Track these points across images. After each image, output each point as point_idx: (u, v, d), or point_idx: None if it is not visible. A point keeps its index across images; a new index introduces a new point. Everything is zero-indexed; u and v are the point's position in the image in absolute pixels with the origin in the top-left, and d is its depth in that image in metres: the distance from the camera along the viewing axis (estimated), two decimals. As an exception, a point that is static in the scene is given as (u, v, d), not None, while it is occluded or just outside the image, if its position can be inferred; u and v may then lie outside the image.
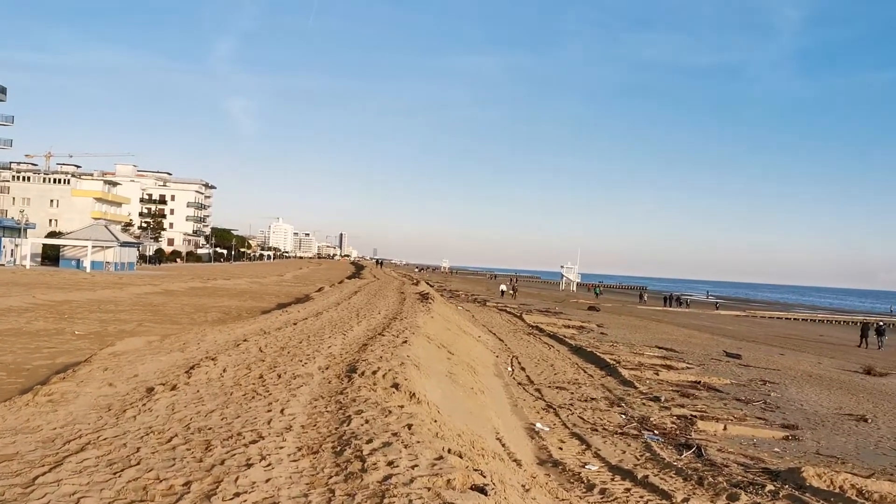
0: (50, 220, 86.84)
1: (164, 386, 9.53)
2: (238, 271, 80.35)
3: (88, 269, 61.64)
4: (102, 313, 25.75)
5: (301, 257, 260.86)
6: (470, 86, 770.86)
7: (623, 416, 14.46)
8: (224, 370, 10.96)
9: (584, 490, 9.32)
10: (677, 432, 13.20)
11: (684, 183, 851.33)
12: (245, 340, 15.07)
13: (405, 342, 15.65)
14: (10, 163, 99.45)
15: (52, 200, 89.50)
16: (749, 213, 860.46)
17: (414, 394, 9.42)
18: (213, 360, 11.90)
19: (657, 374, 20.66)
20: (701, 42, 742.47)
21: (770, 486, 9.68)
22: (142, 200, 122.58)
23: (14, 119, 78.11)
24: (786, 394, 19.06)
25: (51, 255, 69.12)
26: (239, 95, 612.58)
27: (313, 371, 11.31)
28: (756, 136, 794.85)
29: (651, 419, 14.19)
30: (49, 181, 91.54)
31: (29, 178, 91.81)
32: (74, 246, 66.71)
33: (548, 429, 13.07)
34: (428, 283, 67.15)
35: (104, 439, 6.75)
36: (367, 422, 7.59)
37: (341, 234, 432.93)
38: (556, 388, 17.62)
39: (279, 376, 10.63)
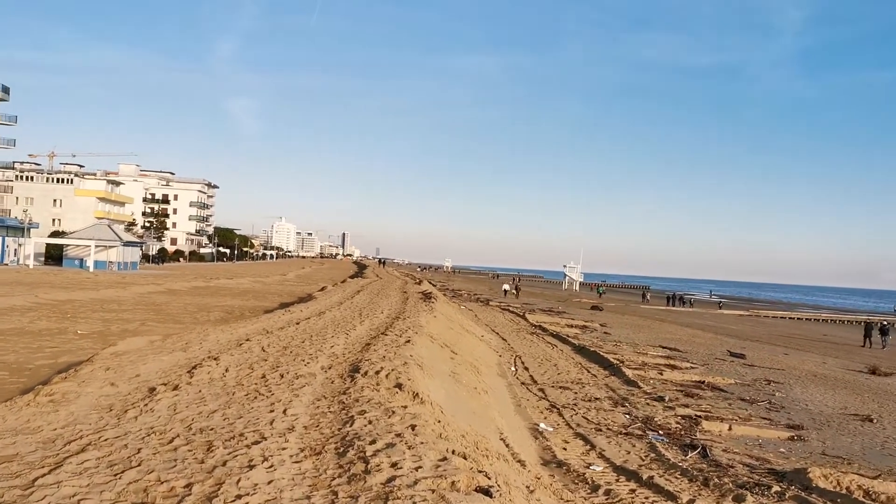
0: (53, 220, 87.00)
1: (166, 386, 9.48)
2: (241, 271, 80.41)
3: (92, 269, 61.68)
4: (105, 313, 25.74)
5: (304, 257, 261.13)
6: (470, 86, 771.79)
7: (627, 417, 14.38)
8: (226, 370, 10.91)
9: (589, 491, 9.25)
10: (682, 432, 13.12)
11: (684, 183, 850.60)
12: (248, 340, 15.03)
13: (408, 342, 15.58)
14: (14, 162, 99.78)
15: (55, 200, 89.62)
16: (749, 212, 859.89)
17: (417, 394, 9.35)
18: (215, 359, 11.85)
19: (661, 374, 20.58)
20: (701, 42, 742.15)
21: (776, 487, 9.60)
22: (145, 200, 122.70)
23: (17, 119, 78.23)
24: (790, 394, 18.96)
25: (54, 255, 69.23)
26: (241, 95, 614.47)
27: (316, 371, 11.25)
28: (756, 136, 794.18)
29: (655, 419, 14.12)
30: (52, 181, 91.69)
31: (32, 178, 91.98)
32: (78, 245, 66.80)
33: (552, 429, 13.00)
34: (431, 283, 67.10)
35: (105, 440, 6.70)
36: (370, 422, 7.53)
37: (344, 234, 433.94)
38: (560, 387, 17.54)
39: (282, 376, 10.58)
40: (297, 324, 19.22)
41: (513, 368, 20.43)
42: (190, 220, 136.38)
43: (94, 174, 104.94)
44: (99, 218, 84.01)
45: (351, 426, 7.38)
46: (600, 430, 13.10)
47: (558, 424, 13.48)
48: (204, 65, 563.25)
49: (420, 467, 5.86)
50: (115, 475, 5.58)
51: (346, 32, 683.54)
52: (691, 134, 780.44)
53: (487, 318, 38.25)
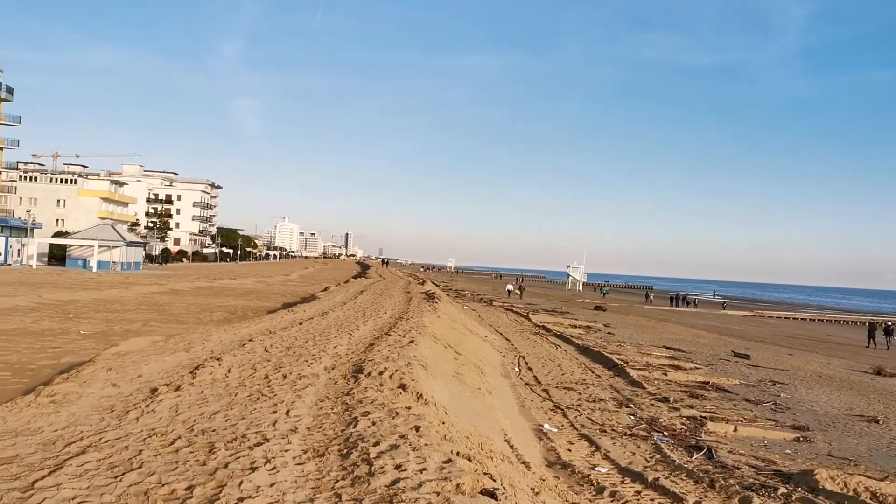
0: (57, 220, 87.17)
1: (168, 387, 9.43)
2: (244, 271, 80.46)
3: (95, 269, 61.76)
4: (108, 313, 25.73)
5: (307, 257, 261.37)
6: (470, 86, 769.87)
7: (632, 417, 14.30)
8: (229, 370, 10.85)
9: (594, 493, 9.18)
10: (687, 434, 13.04)
11: (685, 183, 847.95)
12: (250, 340, 14.98)
13: (412, 342, 15.52)
14: (17, 163, 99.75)
15: (58, 200, 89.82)
16: (750, 212, 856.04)
17: (421, 395, 9.29)
18: (217, 360, 11.80)
19: (665, 375, 20.49)
20: (701, 42, 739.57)
21: (782, 489, 9.52)
22: (148, 200, 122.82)
23: (21, 119, 78.38)
24: (796, 394, 18.86)
25: (57, 255, 69.33)
26: (244, 95, 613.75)
27: (319, 371, 11.20)
28: (756, 136, 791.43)
29: (660, 420, 14.03)
30: (56, 181, 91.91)
31: (36, 178, 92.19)
32: (81, 246, 66.90)
33: (556, 430, 12.92)
34: (434, 283, 67.03)
35: (106, 441, 6.64)
36: (373, 424, 7.46)
37: (347, 234, 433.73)
38: (564, 388, 17.47)
39: (284, 377, 10.52)
40: (301, 324, 19.17)
41: (516, 369, 20.35)
42: (193, 220, 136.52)
43: (98, 174, 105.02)
44: (102, 218, 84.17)
45: (354, 427, 7.31)
46: (605, 431, 13.02)
47: (563, 425, 13.41)
48: (206, 65, 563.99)
49: (424, 469, 5.79)
50: (116, 477, 5.52)
51: (348, 32, 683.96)
52: (691, 134, 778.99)
53: (491, 318, 38.18)
